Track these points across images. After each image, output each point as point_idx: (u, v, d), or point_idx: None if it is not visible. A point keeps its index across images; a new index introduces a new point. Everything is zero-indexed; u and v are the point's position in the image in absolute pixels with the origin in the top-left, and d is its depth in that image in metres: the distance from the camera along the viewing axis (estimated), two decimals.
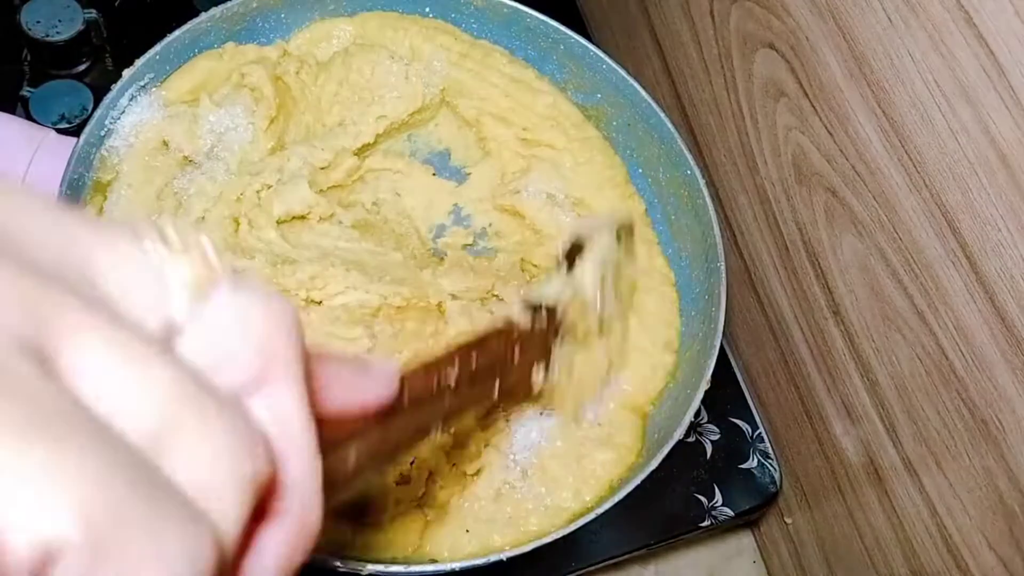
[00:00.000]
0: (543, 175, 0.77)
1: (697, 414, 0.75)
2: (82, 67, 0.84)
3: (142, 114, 0.70)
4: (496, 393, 0.46)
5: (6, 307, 0.18)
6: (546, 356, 0.51)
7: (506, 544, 0.61)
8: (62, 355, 0.19)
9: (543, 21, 0.79)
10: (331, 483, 0.25)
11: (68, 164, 0.65)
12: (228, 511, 0.20)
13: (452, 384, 0.42)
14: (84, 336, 0.19)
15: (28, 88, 0.82)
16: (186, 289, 0.22)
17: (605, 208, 0.77)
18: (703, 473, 0.80)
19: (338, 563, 0.58)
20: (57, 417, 0.18)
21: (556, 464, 0.65)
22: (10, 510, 0.17)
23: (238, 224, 0.68)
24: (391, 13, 0.80)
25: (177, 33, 0.71)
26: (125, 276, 0.21)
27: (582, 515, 0.62)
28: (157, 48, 0.70)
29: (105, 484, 0.18)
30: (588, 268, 0.55)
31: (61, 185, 0.64)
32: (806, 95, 0.69)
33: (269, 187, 0.69)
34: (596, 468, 0.65)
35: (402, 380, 0.35)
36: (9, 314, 0.18)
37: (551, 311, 0.52)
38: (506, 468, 0.65)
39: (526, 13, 0.78)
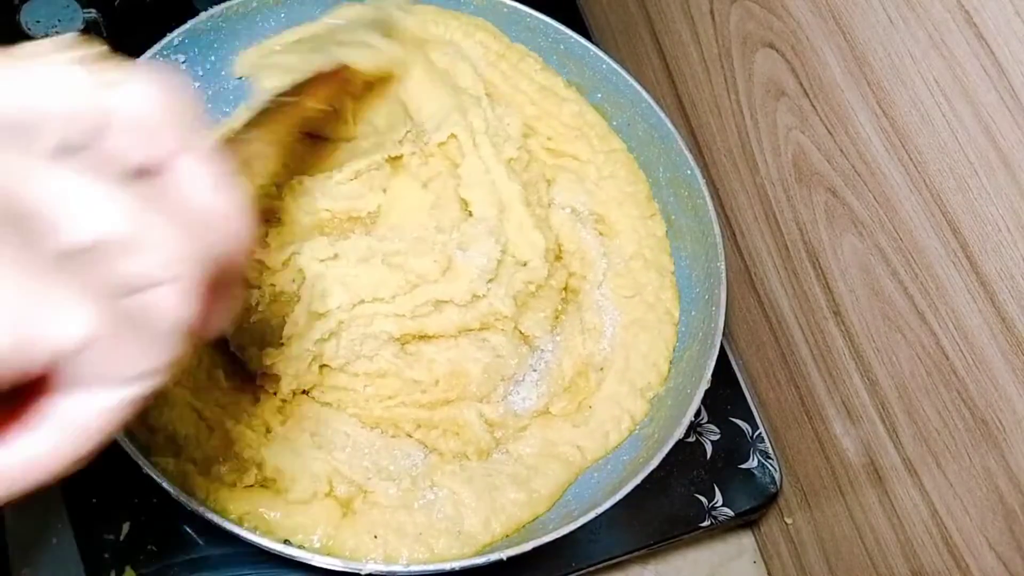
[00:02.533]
0: (567, 187, 0.77)
1: (697, 414, 0.75)
2: None
3: None
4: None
5: None
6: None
7: (412, 559, 0.61)
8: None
9: (543, 20, 0.78)
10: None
11: None
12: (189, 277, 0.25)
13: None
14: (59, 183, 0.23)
15: None
16: (93, 87, 0.25)
17: (626, 227, 0.76)
18: (703, 473, 0.80)
19: (338, 563, 0.58)
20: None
21: (467, 489, 0.65)
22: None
23: None
24: (430, 7, 0.80)
25: (177, 32, 0.71)
26: (49, 96, 0.25)
27: (491, 545, 0.62)
28: (157, 48, 0.70)
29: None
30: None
31: None
32: (806, 95, 0.69)
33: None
34: (506, 504, 0.65)
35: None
36: None
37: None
38: (414, 481, 0.65)
39: (526, 12, 0.78)
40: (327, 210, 0.70)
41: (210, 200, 0.27)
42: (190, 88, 0.29)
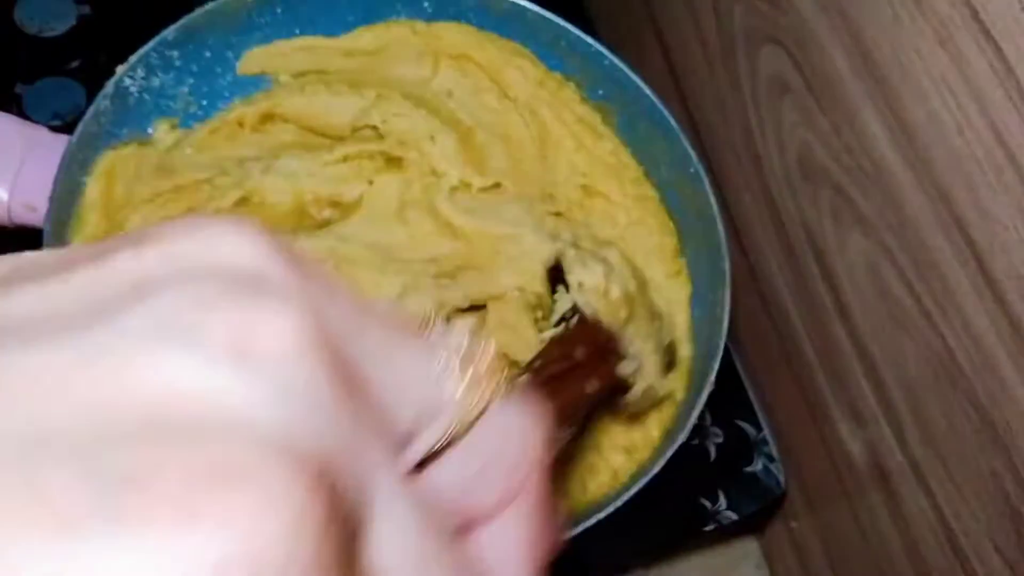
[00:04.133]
0: (595, 230, 0.74)
1: (701, 416, 0.74)
2: (76, 64, 0.84)
3: None
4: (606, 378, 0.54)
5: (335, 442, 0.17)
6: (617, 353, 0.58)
7: None
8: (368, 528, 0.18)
9: (544, 16, 0.78)
10: None
11: (62, 161, 0.65)
12: None
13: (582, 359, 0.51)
14: (386, 506, 0.18)
15: (21, 85, 0.82)
16: (459, 407, 0.22)
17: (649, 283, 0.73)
18: (707, 476, 0.79)
19: None
20: None
21: None
22: None
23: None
24: (469, 28, 0.79)
25: (171, 28, 0.70)
26: (405, 381, 0.21)
27: None
28: (151, 44, 0.70)
29: None
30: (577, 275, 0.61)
31: (55, 183, 0.64)
32: (811, 91, 0.69)
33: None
34: None
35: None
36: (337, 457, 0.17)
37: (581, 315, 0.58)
38: None
39: (527, 8, 0.78)
40: (311, 192, 0.69)
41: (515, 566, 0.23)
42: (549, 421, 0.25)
